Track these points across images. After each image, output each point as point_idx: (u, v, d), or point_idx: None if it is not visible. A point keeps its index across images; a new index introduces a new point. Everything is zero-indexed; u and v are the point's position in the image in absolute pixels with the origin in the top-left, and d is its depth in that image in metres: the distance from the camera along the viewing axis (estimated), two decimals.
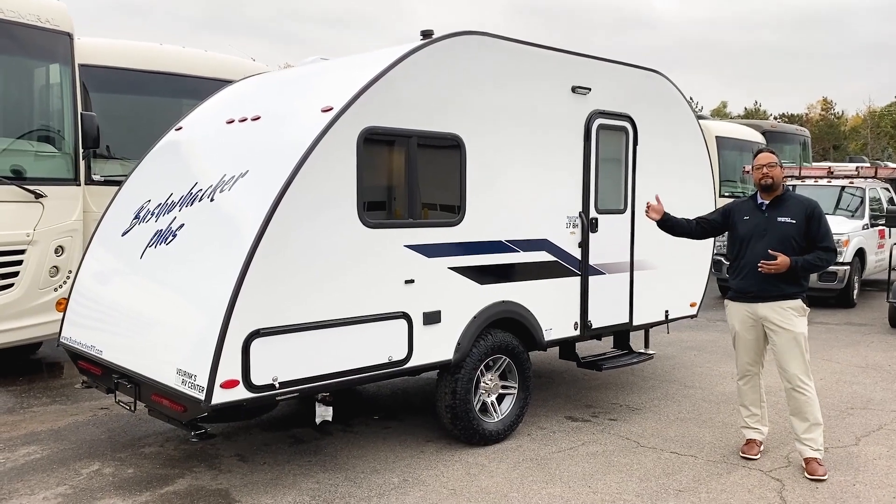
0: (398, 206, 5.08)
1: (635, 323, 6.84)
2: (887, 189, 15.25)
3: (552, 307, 6.04)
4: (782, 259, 5.13)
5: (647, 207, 5.71)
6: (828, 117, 66.36)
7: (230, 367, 4.21)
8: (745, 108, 64.66)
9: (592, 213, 6.29)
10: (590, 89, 6.18)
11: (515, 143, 5.70)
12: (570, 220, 6.13)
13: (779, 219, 5.29)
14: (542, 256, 5.93)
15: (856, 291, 13.33)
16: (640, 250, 6.76)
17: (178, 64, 9.51)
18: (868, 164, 16.61)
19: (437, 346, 5.25)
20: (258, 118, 5.30)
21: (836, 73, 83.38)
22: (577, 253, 6.19)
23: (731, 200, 5.81)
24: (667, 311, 7.16)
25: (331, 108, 4.70)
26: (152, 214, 5.38)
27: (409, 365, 5.07)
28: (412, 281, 5.05)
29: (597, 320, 6.40)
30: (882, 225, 13.98)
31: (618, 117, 6.47)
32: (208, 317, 4.30)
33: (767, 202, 5.37)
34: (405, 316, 5.03)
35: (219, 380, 4.17)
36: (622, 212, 6.61)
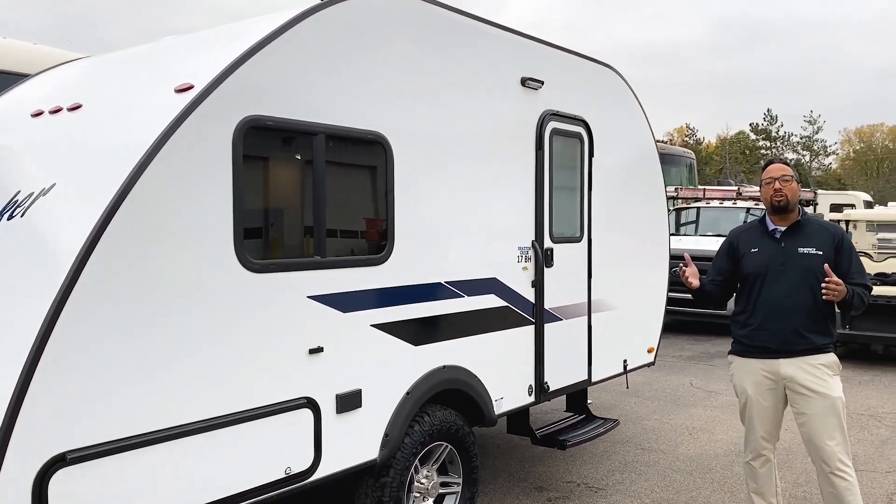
0: (297, 239, 3.41)
1: (594, 378, 5.44)
2: None
3: (502, 368, 4.52)
4: (840, 282, 3.84)
5: (683, 272, 4.18)
6: (689, 143, 69.67)
7: None
8: None
9: (547, 243, 4.85)
10: (542, 83, 4.76)
11: (454, 150, 4.17)
12: (522, 252, 4.66)
13: (800, 249, 4.03)
14: (491, 301, 4.41)
15: None
16: (597, 288, 5.39)
17: None
18: (735, 186, 16.49)
19: (356, 443, 3.59)
20: (78, 107, 3.49)
21: (680, 103, 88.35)
22: (529, 294, 4.72)
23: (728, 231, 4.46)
24: (625, 361, 5.82)
25: (190, 87, 3.00)
26: None
27: (315, 477, 3.39)
28: (320, 349, 3.39)
29: (554, 380, 4.94)
30: None
31: (572, 121, 5.09)
32: None
33: (783, 229, 4.11)
34: (310, 403, 3.35)
35: None
36: (578, 240, 5.22)
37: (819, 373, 3.97)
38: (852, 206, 24.92)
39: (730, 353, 4.28)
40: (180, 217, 2.86)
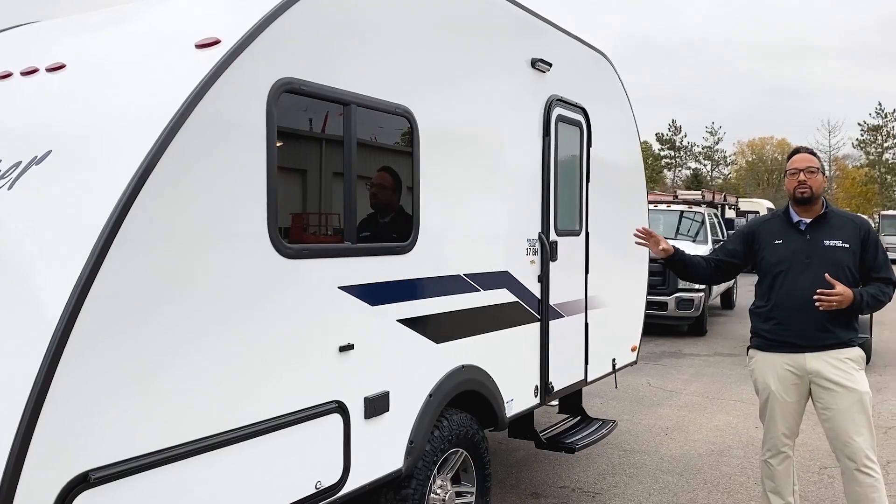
0: (328, 222, 3.02)
1: (589, 378, 5.23)
2: (715, 214, 15.31)
3: (511, 368, 4.24)
4: (844, 290, 3.75)
5: (649, 237, 4.08)
6: None
7: None
8: None
9: (552, 236, 4.60)
10: (551, 65, 4.51)
11: (471, 130, 3.87)
12: (531, 244, 4.39)
13: (826, 242, 3.89)
14: (503, 296, 4.12)
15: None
16: (592, 284, 5.18)
17: None
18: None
19: (382, 451, 3.23)
20: (60, 67, 2.98)
21: None
22: (536, 290, 4.46)
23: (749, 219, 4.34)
24: (614, 360, 5.64)
25: (216, 42, 2.58)
26: None
27: (344, 491, 3.00)
28: (350, 347, 3.01)
29: (557, 381, 4.69)
30: None
31: (574, 108, 4.87)
32: None
33: (808, 220, 3.99)
34: (340, 408, 2.97)
35: None
36: (578, 234, 5.00)
37: (846, 367, 3.86)
38: (757, 212, 26.05)
39: (750, 347, 4.14)
40: (210, 194, 2.44)
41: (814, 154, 4.02)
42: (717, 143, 67.56)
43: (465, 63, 3.79)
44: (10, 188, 2.48)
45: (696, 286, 12.08)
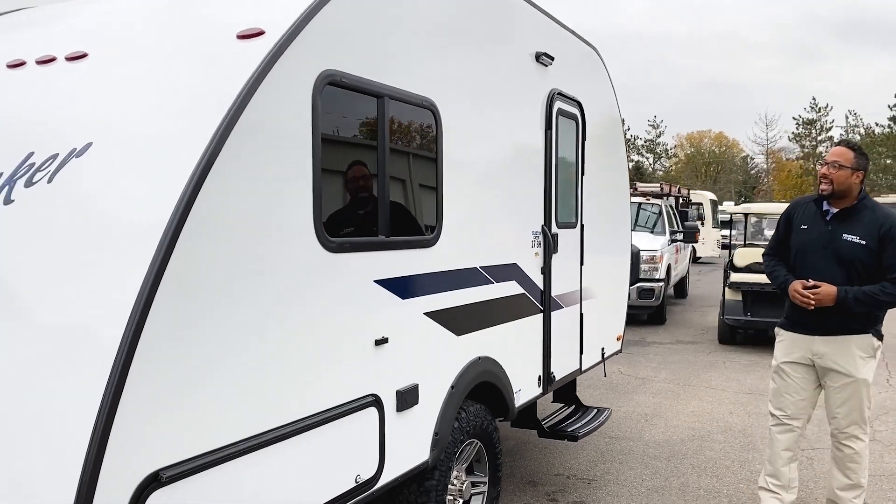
0: (365, 215, 3.00)
1: (583, 367, 5.33)
2: (671, 206, 15.66)
3: (519, 359, 4.29)
4: (825, 288, 3.90)
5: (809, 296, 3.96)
6: None
7: None
8: None
9: (554, 228, 4.65)
10: (553, 59, 4.55)
11: (485, 123, 3.88)
12: (535, 236, 4.44)
13: (844, 235, 3.94)
14: (512, 288, 4.15)
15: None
16: (586, 276, 5.27)
17: None
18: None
19: (411, 444, 3.24)
20: (82, 56, 2.88)
21: None
22: (539, 281, 4.51)
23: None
24: (603, 349, 5.75)
25: (260, 33, 2.53)
26: None
27: (379, 484, 3.01)
28: (385, 340, 3.01)
29: (558, 370, 4.77)
30: (679, 241, 14.19)
31: (571, 102, 4.93)
32: (55, 461, 1.93)
33: (835, 211, 4.01)
34: (376, 401, 2.96)
35: None
36: (574, 226, 5.07)
37: (851, 354, 3.96)
38: (701, 204, 26.64)
39: (777, 326, 4.26)
40: (263, 189, 2.41)
41: (852, 148, 3.98)
42: (660, 137, 68.77)
43: (481, 56, 3.81)
44: (49, 181, 2.40)
45: (657, 276, 12.39)
